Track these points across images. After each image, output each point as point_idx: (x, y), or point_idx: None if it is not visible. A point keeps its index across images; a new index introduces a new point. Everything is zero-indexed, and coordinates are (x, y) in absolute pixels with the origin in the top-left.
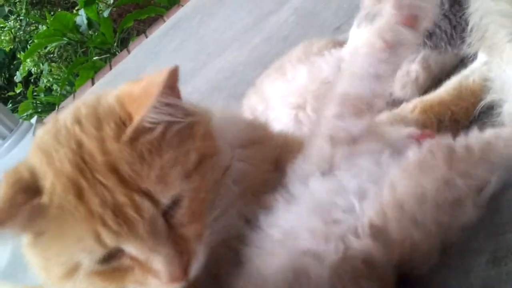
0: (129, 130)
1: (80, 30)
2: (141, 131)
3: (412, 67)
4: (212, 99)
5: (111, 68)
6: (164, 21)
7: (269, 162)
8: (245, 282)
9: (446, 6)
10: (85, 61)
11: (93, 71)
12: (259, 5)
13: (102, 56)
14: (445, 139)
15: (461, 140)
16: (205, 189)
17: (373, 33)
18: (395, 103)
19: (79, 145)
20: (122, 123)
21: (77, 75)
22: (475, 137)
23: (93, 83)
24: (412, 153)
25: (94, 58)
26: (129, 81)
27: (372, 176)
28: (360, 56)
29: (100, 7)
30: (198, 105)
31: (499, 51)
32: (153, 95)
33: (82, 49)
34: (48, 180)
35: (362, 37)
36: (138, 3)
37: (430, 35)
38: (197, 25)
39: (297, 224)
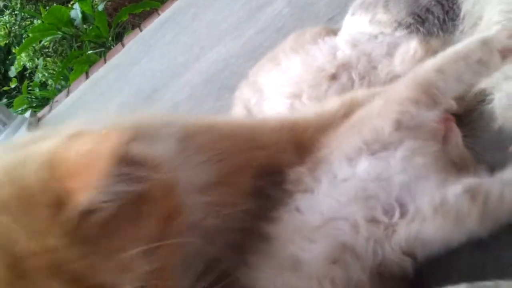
0: (73, 214)
1: (75, 24)
2: (89, 212)
3: (411, 44)
4: (205, 92)
5: (105, 62)
6: (159, 14)
7: (248, 192)
8: (276, 265)
9: None
10: (80, 55)
11: (88, 65)
12: None
13: (97, 50)
14: (485, 182)
15: (497, 185)
16: (173, 262)
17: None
18: (394, 79)
19: (10, 239)
20: (60, 203)
21: (72, 70)
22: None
23: (87, 77)
24: (452, 195)
25: (89, 52)
26: (61, 131)
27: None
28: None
29: (95, 1)
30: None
31: None
32: (101, 171)
33: (77, 44)
34: None
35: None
36: None
37: (423, 21)
38: (191, 18)
39: (338, 212)
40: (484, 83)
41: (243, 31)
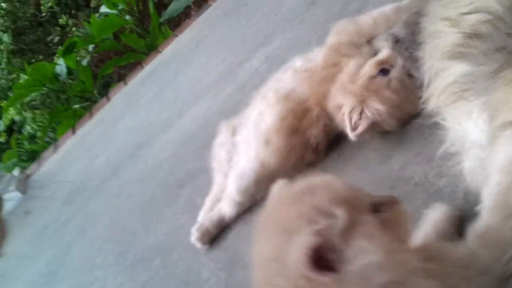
0: None
1: (60, 79)
2: None
3: None
4: (186, 150)
5: (91, 116)
6: (143, 67)
7: None
8: None
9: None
10: (68, 108)
11: (74, 120)
12: (233, 53)
13: (83, 104)
14: None
15: None
16: None
17: None
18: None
19: None
20: None
21: (59, 123)
22: None
23: (73, 132)
24: None
25: (75, 106)
26: None
27: None
28: None
29: (81, 54)
30: None
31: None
32: None
33: (64, 96)
34: None
35: None
36: (118, 49)
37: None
38: (174, 73)
39: None
40: (451, 147)
41: (223, 88)
